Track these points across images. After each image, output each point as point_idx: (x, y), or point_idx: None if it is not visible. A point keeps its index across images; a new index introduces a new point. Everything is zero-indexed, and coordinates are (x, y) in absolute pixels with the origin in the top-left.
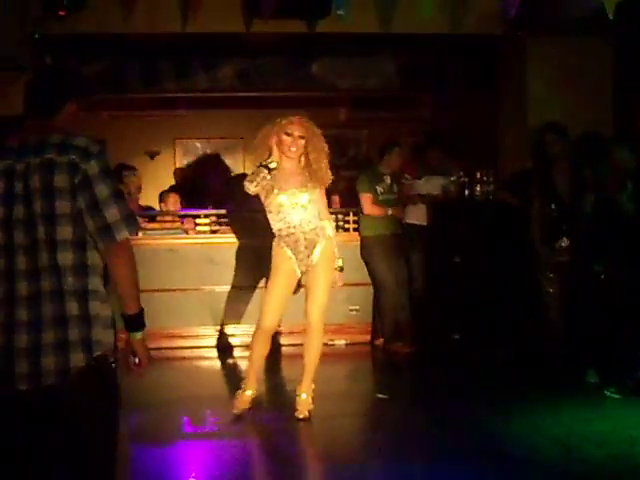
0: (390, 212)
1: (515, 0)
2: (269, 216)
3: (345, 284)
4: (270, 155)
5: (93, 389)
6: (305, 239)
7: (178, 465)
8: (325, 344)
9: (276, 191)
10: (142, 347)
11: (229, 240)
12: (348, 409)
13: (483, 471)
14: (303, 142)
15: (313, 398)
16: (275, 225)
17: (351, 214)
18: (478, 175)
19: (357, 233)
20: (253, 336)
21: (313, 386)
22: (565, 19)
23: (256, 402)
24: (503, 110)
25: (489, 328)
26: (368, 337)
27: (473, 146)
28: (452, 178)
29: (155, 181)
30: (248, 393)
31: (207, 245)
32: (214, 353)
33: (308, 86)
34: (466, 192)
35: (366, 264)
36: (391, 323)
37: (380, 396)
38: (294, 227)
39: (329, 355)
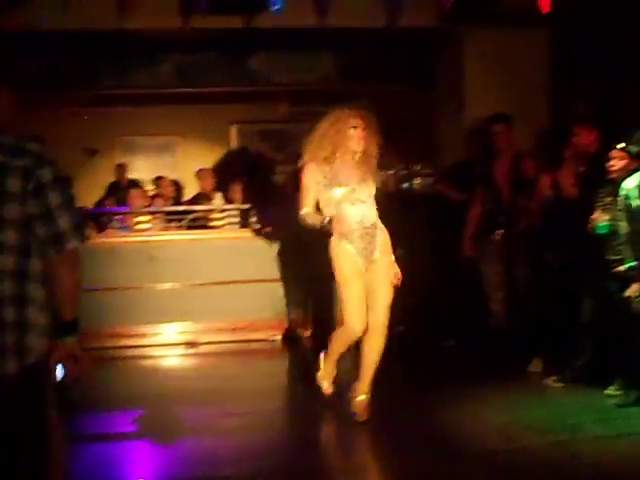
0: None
1: None
2: (325, 211)
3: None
4: (332, 152)
5: (22, 396)
6: (367, 234)
7: (121, 464)
8: (266, 340)
9: (336, 187)
10: (79, 350)
11: (170, 237)
12: (287, 404)
13: (424, 460)
14: (365, 134)
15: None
16: (334, 220)
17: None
18: (417, 168)
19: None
20: (338, 339)
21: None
22: (501, 11)
23: (194, 401)
24: (441, 103)
25: (432, 318)
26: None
27: (412, 139)
28: (390, 172)
29: (95, 179)
30: (325, 384)
31: (148, 243)
32: (158, 351)
33: (247, 81)
34: (405, 185)
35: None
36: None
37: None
38: (355, 222)
39: (271, 351)
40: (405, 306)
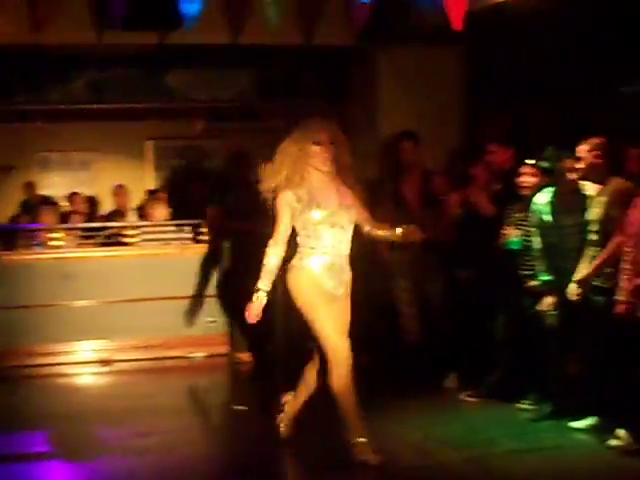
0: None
1: (363, 12)
2: (302, 234)
3: (201, 296)
4: (300, 174)
5: None
6: (338, 264)
7: None
8: (183, 357)
9: (315, 209)
10: None
11: (84, 254)
12: (205, 422)
13: (339, 477)
14: (332, 148)
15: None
16: (308, 244)
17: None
18: None
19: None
20: (334, 378)
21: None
22: (414, 29)
23: (109, 420)
24: (355, 120)
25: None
26: (225, 349)
27: None
28: None
29: (11, 195)
30: (363, 440)
31: (62, 260)
32: (73, 370)
33: (163, 97)
34: None
35: None
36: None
37: (237, 408)
38: (330, 248)
39: (187, 368)
40: None
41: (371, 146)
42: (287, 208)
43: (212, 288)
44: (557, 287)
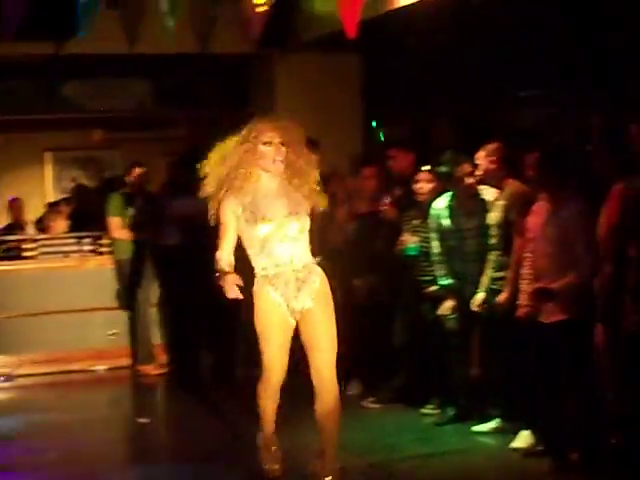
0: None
1: (259, 19)
2: (249, 252)
3: (103, 308)
4: (246, 178)
5: None
6: (297, 279)
7: None
8: (85, 370)
9: (260, 222)
10: None
11: None
12: (107, 436)
13: None
14: (285, 150)
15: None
16: (259, 263)
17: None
18: None
19: (111, 256)
20: (260, 393)
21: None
22: (311, 36)
23: (10, 435)
24: None
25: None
26: (128, 361)
27: None
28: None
29: None
30: (274, 449)
31: None
32: None
33: (61, 108)
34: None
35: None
36: (145, 345)
37: (141, 420)
38: (283, 265)
39: (90, 382)
40: (218, 337)
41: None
42: (231, 216)
43: (113, 300)
44: (457, 291)
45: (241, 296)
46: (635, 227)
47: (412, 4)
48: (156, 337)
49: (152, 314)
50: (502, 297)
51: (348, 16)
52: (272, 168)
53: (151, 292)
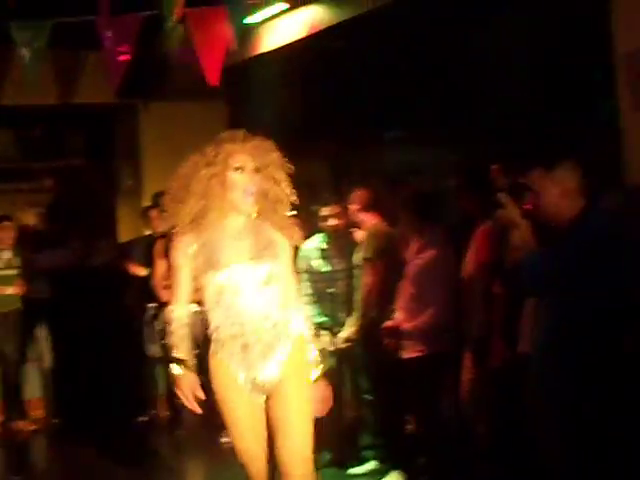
0: (9, 291)
1: (120, 68)
2: (203, 307)
3: None
4: (205, 212)
5: None
6: (260, 343)
7: None
8: None
9: (213, 269)
10: None
11: None
12: None
13: None
14: (258, 178)
15: None
16: (212, 321)
17: None
18: (99, 244)
19: None
20: None
21: None
22: (176, 85)
23: None
24: (120, 177)
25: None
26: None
27: (93, 214)
28: (72, 248)
29: None
30: None
31: None
32: None
33: None
34: (87, 261)
35: None
36: (15, 400)
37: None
38: (242, 324)
39: None
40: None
41: (137, 204)
42: (184, 259)
43: None
44: (329, 329)
45: (199, 410)
46: (500, 265)
47: (274, 49)
48: (30, 392)
49: (26, 369)
50: (347, 333)
51: (209, 64)
52: (241, 203)
53: (26, 347)
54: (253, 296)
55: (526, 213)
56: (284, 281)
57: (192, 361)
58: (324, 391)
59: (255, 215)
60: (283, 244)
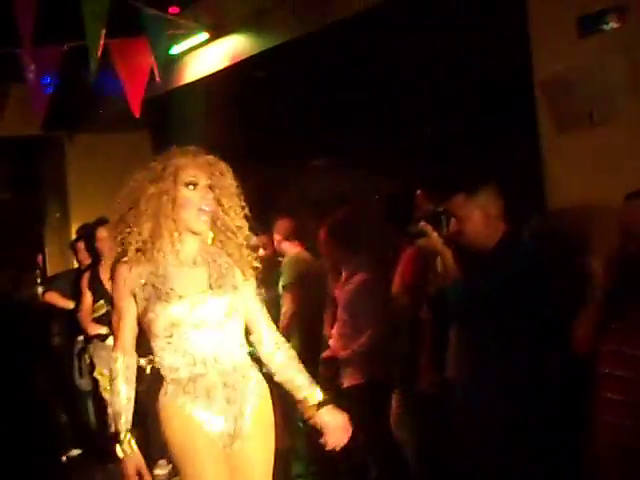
0: None
1: (44, 99)
2: (153, 344)
3: None
4: (153, 235)
5: None
6: (225, 385)
7: None
8: None
9: (165, 300)
10: None
11: None
12: None
13: None
14: (213, 197)
15: None
16: (165, 361)
17: None
18: (26, 277)
19: None
20: None
21: None
22: (101, 116)
23: None
24: (47, 210)
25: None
26: None
27: (21, 248)
28: None
29: None
30: None
31: None
32: None
33: None
34: (14, 294)
35: None
36: None
37: None
38: (203, 364)
39: None
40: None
41: (65, 237)
42: (127, 294)
43: None
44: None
45: None
46: (426, 290)
47: (198, 79)
48: None
49: None
50: None
51: (132, 95)
52: (195, 222)
53: None
54: (214, 331)
55: (449, 239)
56: (249, 313)
57: (133, 435)
58: (341, 418)
59: (211, 241)
60: (239, 276)
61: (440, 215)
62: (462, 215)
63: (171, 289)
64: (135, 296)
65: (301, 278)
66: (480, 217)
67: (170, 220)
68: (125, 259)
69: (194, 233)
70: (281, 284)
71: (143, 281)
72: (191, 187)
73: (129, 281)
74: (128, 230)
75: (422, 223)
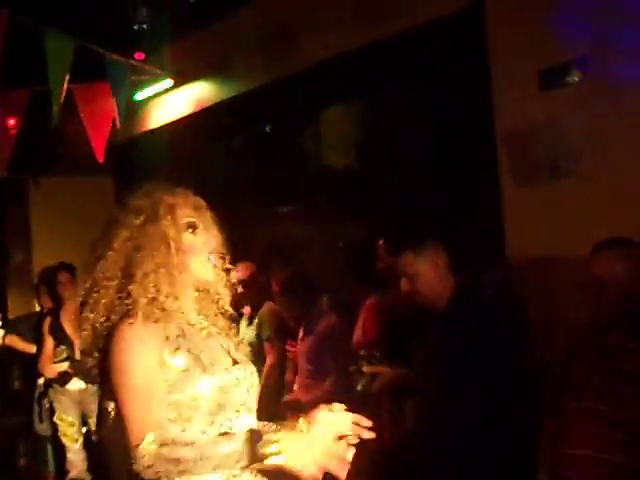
0: None
1: (8, 143)
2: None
3: None
4: (171, 289)
5: None
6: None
7: None
8: None
9: (206, 374)
10: None
11: None
12: None
13: None
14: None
15: None
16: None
17: None
18: None
19: None
20: None
21: None
22: (66, 160)
23: None
24: (10, 253)
25: None
26: None
27: None
28: None
29: None
30: None
31: None
32: None
33: None
34: None
35: None
36: None
37: None
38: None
39: None
40: None
41: (28, 280)
42: (154, 366)
43: None
44: None
45: None
46: (388, 340)
47: (162, 126)
48: None
49: None
50: None
51: (96, 141)
52: (207, 271)
53: None
54: (248, 418)
55: (403, 298)
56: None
57: None
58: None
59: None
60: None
61: (372, 356)
62: (412, 273)
63: (210, 359)
64: (159, 361)
65: (280, 329)
66: (429, 271)
67: (177, 271)
68: (131, 320)
69: (201, 284)
70: (264, 336)
71: (172, 347)
72: (190, 230)
73: (151, 344)
74: (134, 285)
75: (365, 368)
